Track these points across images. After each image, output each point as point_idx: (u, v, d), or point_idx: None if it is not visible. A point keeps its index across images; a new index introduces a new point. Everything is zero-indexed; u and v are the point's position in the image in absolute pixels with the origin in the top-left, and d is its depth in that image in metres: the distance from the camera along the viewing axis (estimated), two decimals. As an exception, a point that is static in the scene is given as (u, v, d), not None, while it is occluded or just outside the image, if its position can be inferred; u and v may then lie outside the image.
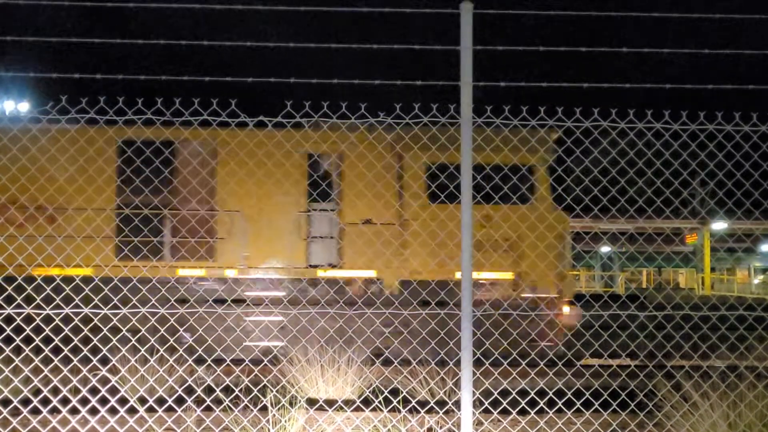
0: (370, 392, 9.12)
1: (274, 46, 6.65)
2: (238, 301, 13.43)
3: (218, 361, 9.66)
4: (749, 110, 6.94)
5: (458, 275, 14.22)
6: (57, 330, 6.89)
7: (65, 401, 7.05)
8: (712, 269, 59.68)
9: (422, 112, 6.69)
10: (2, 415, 7.73)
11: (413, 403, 7.97)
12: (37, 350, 7.28)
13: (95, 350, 7.31)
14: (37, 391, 7.41)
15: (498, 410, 8.01)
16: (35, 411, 7.41)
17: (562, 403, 7.60)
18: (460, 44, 6.04)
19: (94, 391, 7.21)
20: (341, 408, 8.44)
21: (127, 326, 8.17)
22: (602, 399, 7.67)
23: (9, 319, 7.09)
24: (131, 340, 8.49)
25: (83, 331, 7.15)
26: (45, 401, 7.11)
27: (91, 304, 6.94)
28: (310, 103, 6.60)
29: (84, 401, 7.05)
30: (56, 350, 7.05)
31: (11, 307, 6.72)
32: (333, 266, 14.80)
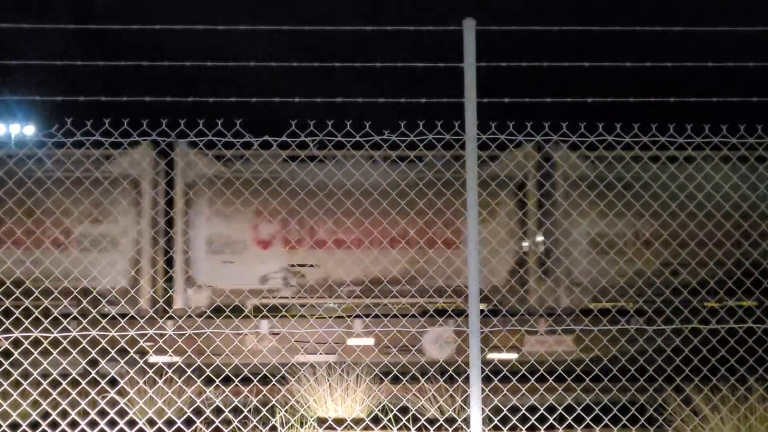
0: (379, 410, 9.10)
1: (277, 66, 6.68)
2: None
3: (226, 381, 9.64)
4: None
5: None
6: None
7: (74, 424, 7.04)
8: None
9: (426, 129, 6.70)
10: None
11: (422, 420, 7.95)
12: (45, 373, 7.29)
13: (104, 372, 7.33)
14: (45, 415, 7.41)
15: (508, 426, 7.98)
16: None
17: (572, 419, 7.57)
18: (463, 61, 6.06)
19: (102, 413, 7.21)
20: (351, 427, 8.41)
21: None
22: (612, 414, 7.64)
23: (17, 342, 7.10)
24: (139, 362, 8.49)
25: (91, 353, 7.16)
26: (54, 424, 7.11)
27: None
28: (315, 122, 6.63)
29: (93, 424, 7.04)
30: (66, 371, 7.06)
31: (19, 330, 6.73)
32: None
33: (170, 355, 9.72)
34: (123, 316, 11.61)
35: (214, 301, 13.24)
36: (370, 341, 13.03)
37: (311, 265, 13.18)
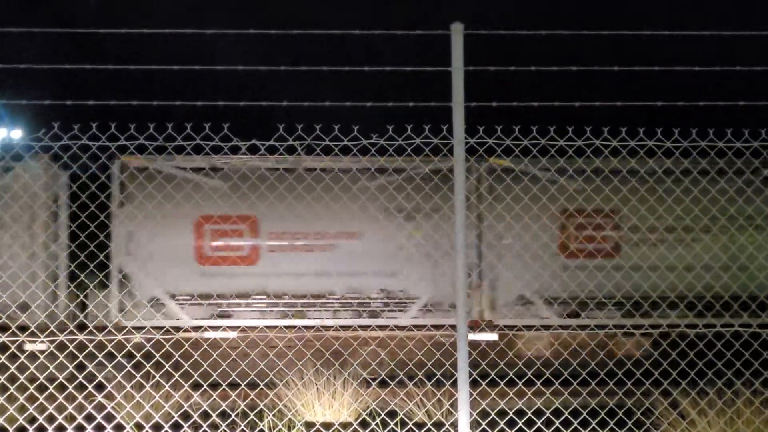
0: (367, 414, 9.08)
1: (267, 69, 6.71)
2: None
3: (214, 386, 9.62)
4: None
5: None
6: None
7: (61, 429, 7.02)
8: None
9: (414, 133, 6.70)
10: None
11: (410, 424, 7.95)
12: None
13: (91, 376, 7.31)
14: (32, 419, 7.37)
15: (495, 430, 7.99)
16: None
17: (560, 423, 7.58)
18: (451, 65, 6.07)
19: (89, 418, 7.18)
20: (338, 431, 8.40)
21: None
22: (599, 417, 7.65)
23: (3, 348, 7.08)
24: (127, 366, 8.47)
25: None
26: (41, 429, 7.08)
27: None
28: (303, 126, 6.64)
29: (80, 428, 7.02)
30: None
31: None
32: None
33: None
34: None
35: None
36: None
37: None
